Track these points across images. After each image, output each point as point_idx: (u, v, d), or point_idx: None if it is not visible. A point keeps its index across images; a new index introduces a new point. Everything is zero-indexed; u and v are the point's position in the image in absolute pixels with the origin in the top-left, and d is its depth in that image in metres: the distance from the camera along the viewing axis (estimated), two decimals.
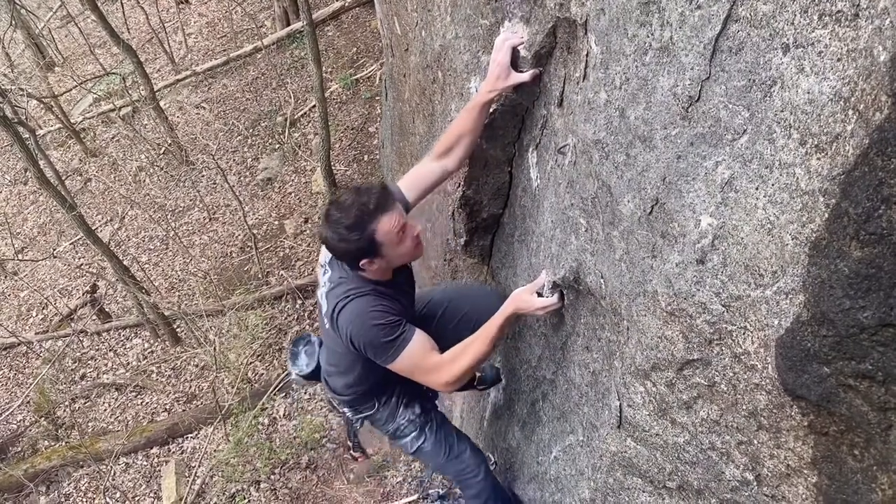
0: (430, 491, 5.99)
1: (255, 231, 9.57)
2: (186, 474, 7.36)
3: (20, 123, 8.41)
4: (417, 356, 2.64)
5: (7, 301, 10.90)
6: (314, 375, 3.27)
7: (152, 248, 10.60)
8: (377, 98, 10.70)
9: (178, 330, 9.01)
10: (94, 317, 9.57)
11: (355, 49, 12.07)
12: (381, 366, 2.70)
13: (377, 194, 2.52)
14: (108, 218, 11.35)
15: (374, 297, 2.64)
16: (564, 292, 2.60)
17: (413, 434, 3.23)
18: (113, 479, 7.55)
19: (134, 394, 8.59)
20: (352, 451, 3.64)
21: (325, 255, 2.81)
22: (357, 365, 2.89)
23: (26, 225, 12.11)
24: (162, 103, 11.81)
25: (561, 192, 2.56)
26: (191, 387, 8.42)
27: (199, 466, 7.34)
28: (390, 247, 2.54)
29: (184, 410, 8.07)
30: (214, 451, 7.41)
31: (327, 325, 2.79)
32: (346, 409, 3.20)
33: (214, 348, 7.70)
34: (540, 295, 2.61)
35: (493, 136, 2.98)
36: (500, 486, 3.48)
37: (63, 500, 7.66)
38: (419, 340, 2.64)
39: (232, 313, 8.40)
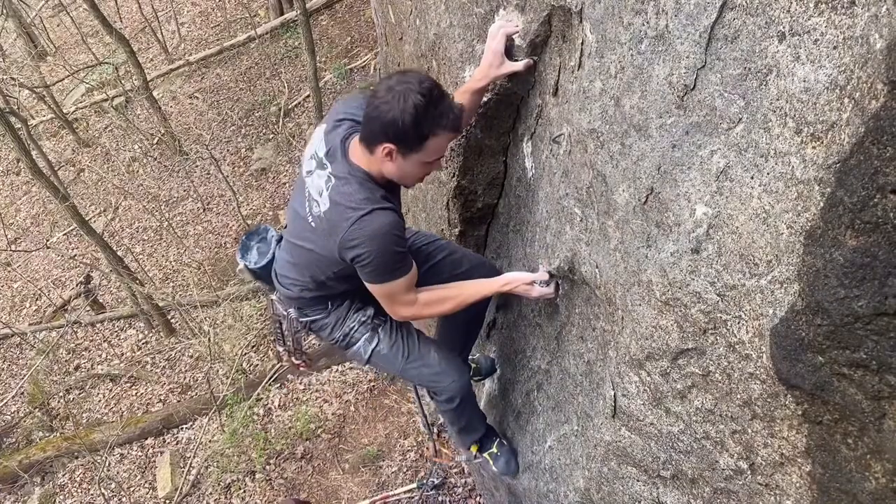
0: (426, 481, 6.01)
1: (249, 221, 9.54)
2: (181, 465, 7.37)
3: (12, 113, 8.35)
4: (400, 289, 2.53)
5: (0, 292, 10.86)
6: (263, 274, 2.98)
7: (146, 238, 10.57)
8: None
9: (172, 321, 9.00)
10: (88, 308, 9.55)
11: (349, 38, 12.03)
12: (355, 278, 2.55)
13: (460, 116, 2.34)
14: (102, 208, 11.31)
15: (395, 214, 2.43)
16: (559, 282, 2.60)
17: (365, 336, 2.90)
18: (108, 470, 7.56)
19: (128, 385, 8.59)
20: (292, 357, 3.22)
21: (326, 139, 2.53)
22: (328, 271, 2.63)
23: (19, 216, 12.06)
24: (155, 93, 11.75)
25: (556, 181, 2.55)
26: (185, 378, 8.42)
27: (194, 457, 7.34)
28: (417, 162, 2.36)
29: (178, 401, 8.07)
30: (209, 441, 7.42)
31: (313, 222, 2.51)
32: (291, 310, 2.91)
33: (209, 339, 7.69)
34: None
35: (487, 125, 2.97)
36: (475, 402, 3.33)
37: (58, 490, 7.67)
38: (410, 276, 2.53)
39: (226, 304, 8.39)
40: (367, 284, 2.54)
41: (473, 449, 3.48)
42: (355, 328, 2.89)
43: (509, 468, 3.42)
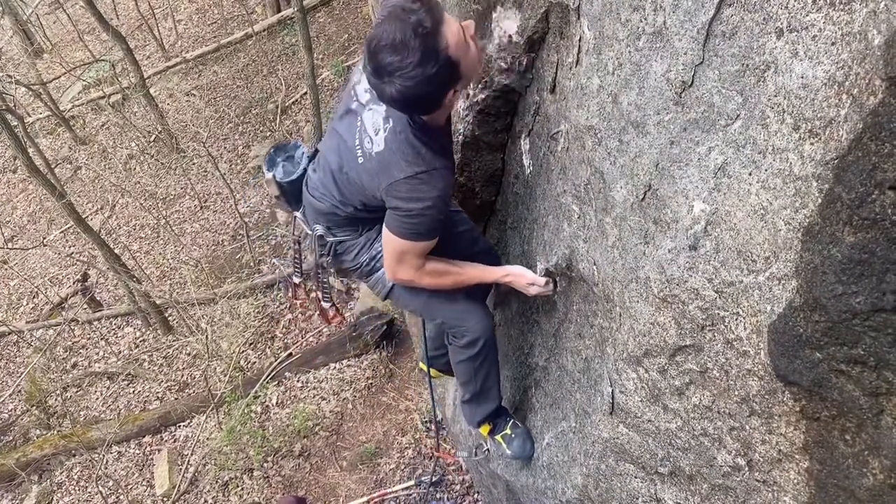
0: (423, 478, 6.02)
1: (246, 219, 9.53)
2: (179, 462, 7.36)
3: (8, 111, 8.34)
4: (415, 252, 2.43)
5: None
6: (289, 189, 2.79)
7: (143, 236, 10.55)
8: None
9: (169, 318, 8.99)
10: (86, 305, 9.53)
11: (347, 35, 12.00)
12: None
13: (426, 7, 1.98)
14: (99, 206, 11.28)
15: (451, 174, 2.32)
16: (557, 279, 2.61)
17: None
18: (105, 468, 7.55)
19: (126, 382, 8.57)
20: (319, 298, 2.96)
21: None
22: (365, 202, 2.50)
23: (16, 213, 12.04)
24: (152, 90, 11.71)
25: (553, 178, 2.55)
26: (183, 375, 8.41)
27: (191, 455, 7.34)
28: (464, 60, 2.06)
29: (176, 399, 8.05)
30: (207, 439, 7.41)
31: (361, 157, 2.36)
32: (318, 226, 2.70)
33: (206, 337, 7.67)
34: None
35: (485, 122, 2.97)
36: (498, 359, 3.05)
37: (55, 488, 7.66)
38: (430, 244, 2.43)
39: (224, 302, 8.37)
40: (384, 230, 2.43)
41: (484, 430, 3.26)
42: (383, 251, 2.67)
43: (524, 450, 3.16)
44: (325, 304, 3.02)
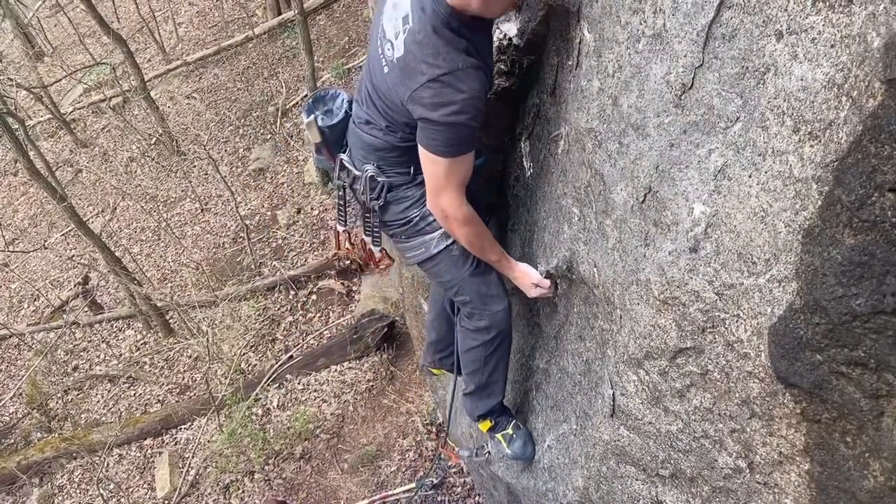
0: (425, 481, 6.01)
1: (247, 222, 9.54)
2: (180, 465, 7.36)
3: (9, 114, 8.35)
4: (452, 173, 2.24)
5: None
6: (330, 136, 2.66)
7: (144, 239, 10.56)
8: None
9: (170, 321, 8.99)
10: (87, 308, 9.53)
11: (347, 38, 12.01)
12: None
13: None
14: (100, 209, 11.30)
15: (482, 73, 2.11)
16: (557, 282, 2.61)
17: (444, 230, 2.54)
18: (106, 471, 7.55)
19: (127, 385, 8.57)
20: (367, 242, 2.80)
21: None
22: (405, 119, 2.31)
23: (17, 216, 12.06)
24: (153, 93, 11.74)
25: (554, 181, 2.55)
26: (184, 378, 8.41)
27: (192, 457, 7.34)
28: None
29: (177, 402, 8.06)
30: (208, 442, 7.41)
31: (386, 66, 2.22)
32: (368, 166, 2.53)
33: (207, 339, 7.67)
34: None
35: (485, 124, 2.97)
36: (509, 353, 2.98)
37: (56, 491, 7.66)
38: (466, 162, 2.25)
39: (225, 304, 8.38)
40: (421, 152, 2.26)
41: (484, 427, 3.21)
42: None
43: (525, 451, 3.12)
44: (374, 249, 2.87)
